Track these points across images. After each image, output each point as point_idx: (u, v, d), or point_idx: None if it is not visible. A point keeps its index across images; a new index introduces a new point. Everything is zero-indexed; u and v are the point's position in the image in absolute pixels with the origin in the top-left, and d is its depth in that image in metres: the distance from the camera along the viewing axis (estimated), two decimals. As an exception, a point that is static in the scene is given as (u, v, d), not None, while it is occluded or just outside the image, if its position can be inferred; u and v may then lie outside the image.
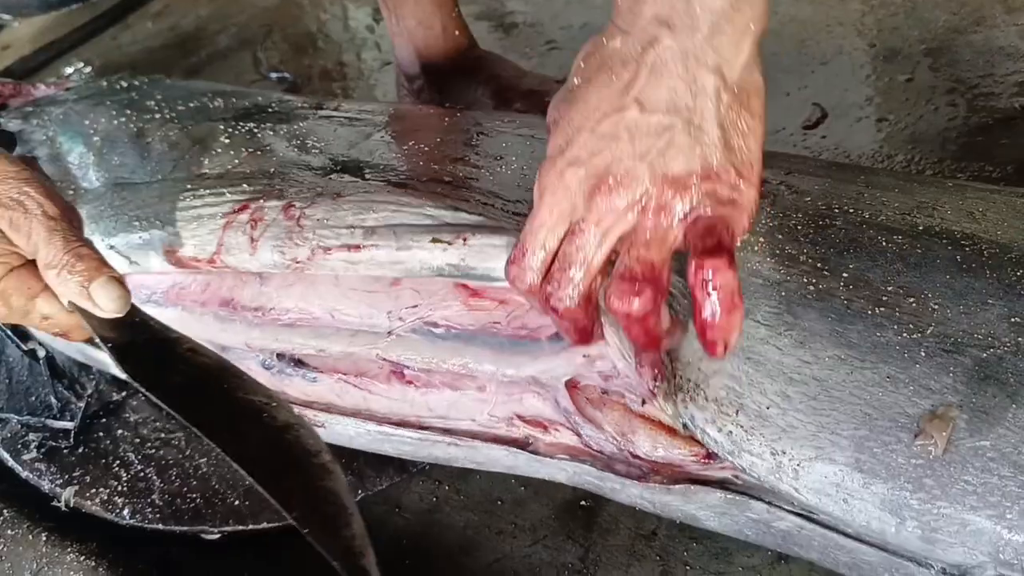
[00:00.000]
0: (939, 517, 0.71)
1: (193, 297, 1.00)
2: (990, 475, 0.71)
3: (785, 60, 1.57)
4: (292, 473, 0.67)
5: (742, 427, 0.77)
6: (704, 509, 0.87)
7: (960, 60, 1.51)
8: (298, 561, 1.01)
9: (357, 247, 0.88)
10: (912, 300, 0.81)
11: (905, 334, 0.79)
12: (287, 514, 0.65)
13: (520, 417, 0.92)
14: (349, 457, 1.04)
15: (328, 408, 0.99)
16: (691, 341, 0.79)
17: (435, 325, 0.91)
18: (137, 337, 0.76)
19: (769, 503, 0.82)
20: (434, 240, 0.86)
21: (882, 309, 0.81)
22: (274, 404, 0.71)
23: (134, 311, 0.77)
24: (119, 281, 0.76)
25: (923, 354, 0.78)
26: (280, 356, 0.98)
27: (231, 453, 0.67)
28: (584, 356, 0.85)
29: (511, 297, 0.89)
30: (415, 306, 0.91)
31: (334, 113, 1.15)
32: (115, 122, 1.16)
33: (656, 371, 0.81)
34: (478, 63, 1.42)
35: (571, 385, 0.88)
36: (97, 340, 0.75)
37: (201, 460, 1.04)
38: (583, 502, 1.02)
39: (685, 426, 0.82)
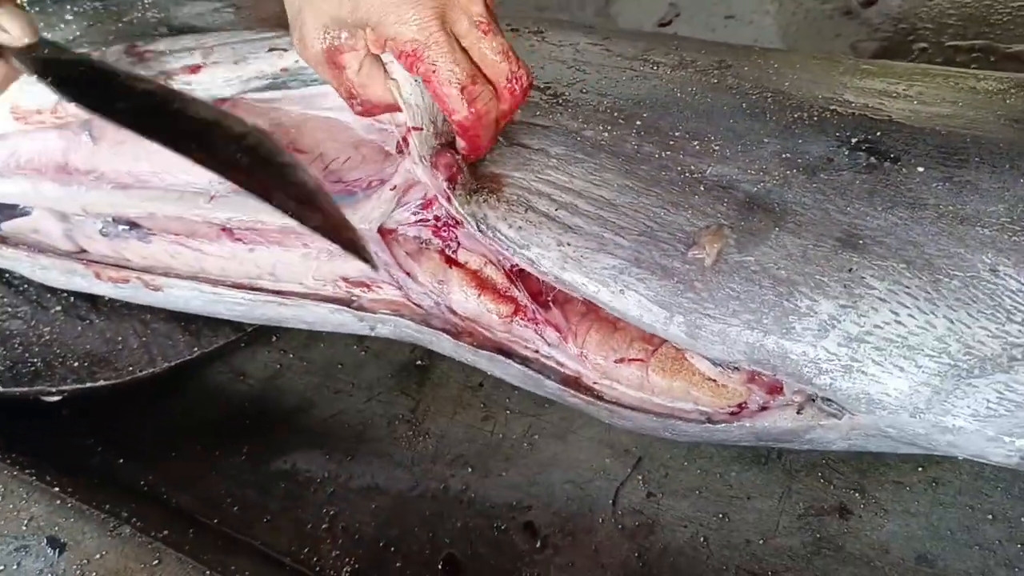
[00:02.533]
0: (704, 316, 0.78)
1: (32, 165, 1.02)
2: (751, 285, 0.78)
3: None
4: (263, 169, 0.69)
5: (531, 223, 0.82)
6: (508, 376, 0.93)
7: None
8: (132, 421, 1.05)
9: (197, 67, 0.92)
10: (696, 143, 0.87)
11: (687, 173, 0.85)
12: (267, 202, 0.68)
13: (345, 279, 0.97)
14: (187, 319, 1.07)
15: (166, 272, 1.02)
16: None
17: None
18: (73, 72, 0.78)
19: (561, 384, 0.89)
20: (271, 49, 0.91)
21: (668, 152, 0.86)
22: (228, 118, 0.72)
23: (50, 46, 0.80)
24: (22, 9, 0.79)
25: (702, 188, 0.83)
26: (116, 220, 1.01)
27: (203, 162, 0.69)
28: (391, 189, 0.90)
29: (326, 149, 0.93)
30: None
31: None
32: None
33: (451, 171, 0.84)
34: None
35: (386, 232, 0.92)
36: (34, 76, 0.77)
37: (45, 329, 1.07)
38: (419, 362, 1.07)
39: (480, 227, 0.84)
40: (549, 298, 0.89)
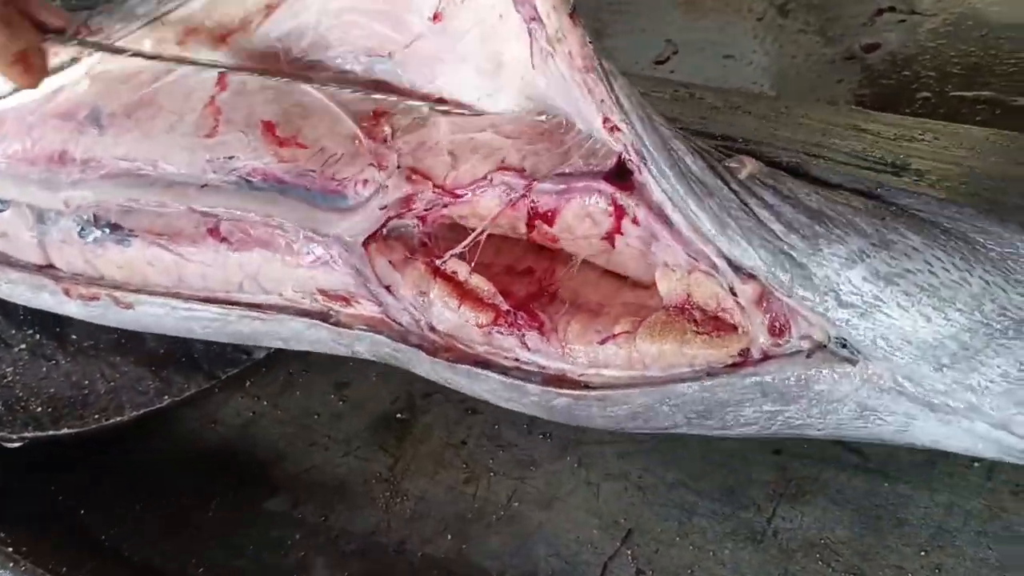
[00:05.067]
0: (738, 211, 0.74)
1: (22, 155, 0.99)
2: (783, 202, 0.76)
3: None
4: None
5: None
6: (489, 392, 0.86)
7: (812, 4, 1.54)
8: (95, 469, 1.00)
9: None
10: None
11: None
12: None
13: (323, 292, 0.91)
14: (158, 364, 1.02)
15: (140, 287, 0.97)
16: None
17: (251, 176, 0.91)
18: None
19: (544, 385, 0.83)
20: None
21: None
22: None
23: None
24: None
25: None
26: (95, 221, 0.96)
27: None
28: (381, 208, 0.85)
29: (327, 144, 0.90)
30: (231, 157, 0.91)
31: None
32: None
33: None
34: None
35: (376, 238, 0.87)
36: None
37: (7, 369, 1.01)
38: (399, 415, 1.01)
39: None
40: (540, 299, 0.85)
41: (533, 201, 0.81)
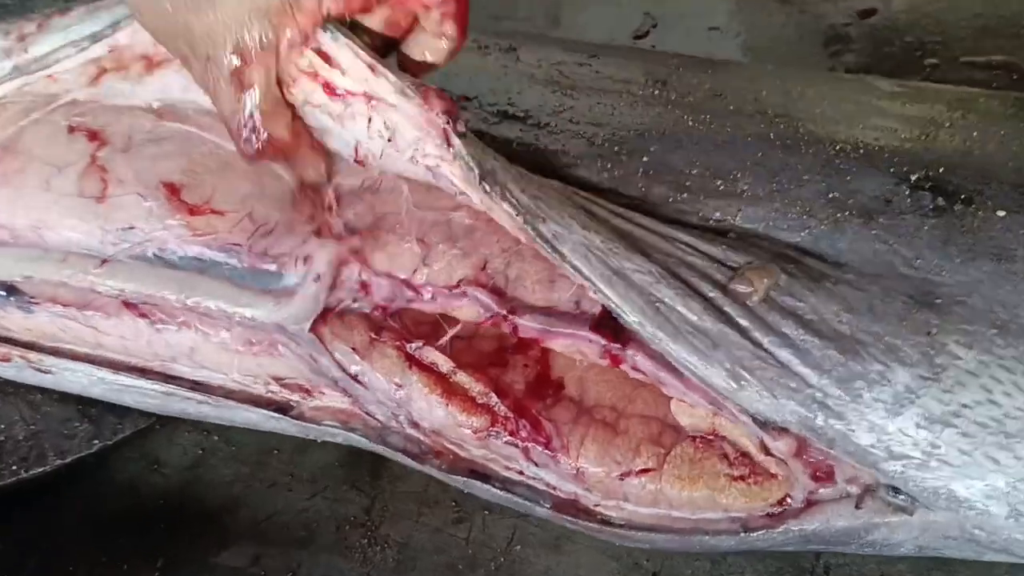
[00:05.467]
0: (753, 359, 0.63)
1: None
2: (808, 333, 0.64)
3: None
4: None
5: (546, 197, 0.66)
6: (488, 497, 0.76)
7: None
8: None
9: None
10: (719, 182, 0.70)
11: (711, 219, 0.68)
12: None
13: (278, 379, 0.78)
14: (86, 401, 0.87)
15: (56, 350, 0.82)
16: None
17: (160, 252, 0.74)
18: None
19: (556, 511, 0.73)
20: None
21: (684, 195, 0.70)
22: None
23: None
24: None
25: (732, 235, 0.67)
26: None
27: None
28: (315, 280, 0.71)
29: (255, 208, 0.73)
30: (130, 227, 0.74)
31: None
32: None
33: (447, 103, 0.64)
34: None
35: (325, 318, 0.73)
36: None
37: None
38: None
39: (486, 182, 0.65)
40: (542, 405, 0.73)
41: (513, 325, 0.71)
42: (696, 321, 0.64)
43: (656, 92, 0.80)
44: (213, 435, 0.91)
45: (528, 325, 0.70)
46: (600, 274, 0.65)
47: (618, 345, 0.68)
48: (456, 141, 0.64)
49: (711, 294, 0.65)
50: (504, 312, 0.70)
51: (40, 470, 0.84)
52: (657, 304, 0.64)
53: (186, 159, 0.74)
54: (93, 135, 0.75)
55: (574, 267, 0.65)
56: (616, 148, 0.73)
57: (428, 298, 0.71)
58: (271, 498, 0.86)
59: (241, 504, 0.86)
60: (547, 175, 0.71)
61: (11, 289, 0.80)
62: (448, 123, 0.63)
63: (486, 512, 0.82)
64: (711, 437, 0.70)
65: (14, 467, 0.84)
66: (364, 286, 0.71)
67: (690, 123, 0.75)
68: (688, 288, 0.65)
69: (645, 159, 0.72)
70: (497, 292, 0.70)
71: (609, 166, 0.72)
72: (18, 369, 0.83)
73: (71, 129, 0.76)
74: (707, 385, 0.64)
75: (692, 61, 0.88)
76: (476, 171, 0.64)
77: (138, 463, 0.90)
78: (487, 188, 0.64)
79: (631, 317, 0.64)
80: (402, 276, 0.71)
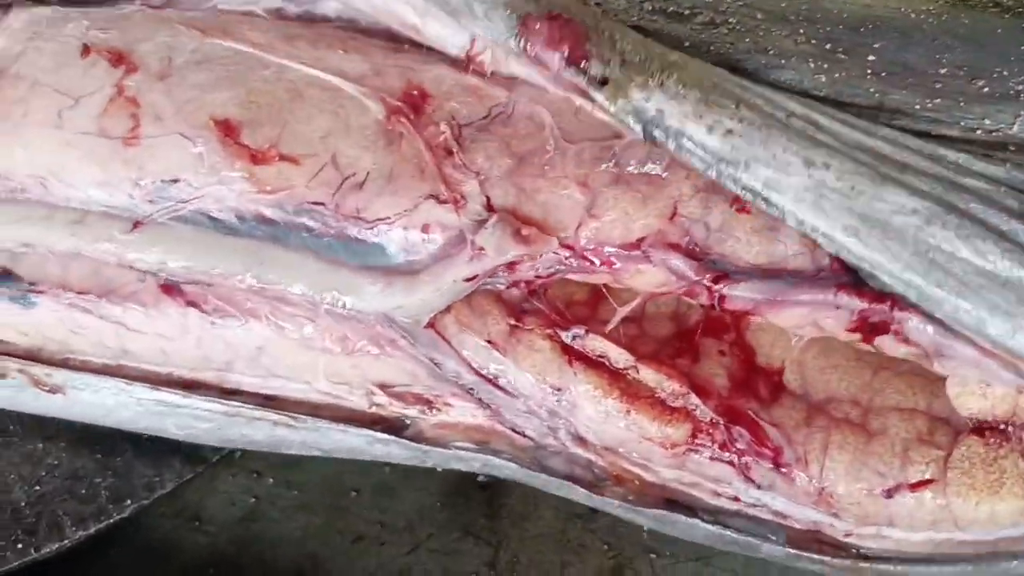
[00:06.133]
0: None
1: None
2: None
3: None
4: None
5: (748, 122, 0.48)
6: (688, 536, 0.57)
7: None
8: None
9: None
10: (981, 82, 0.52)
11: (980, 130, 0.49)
12: None
13: (384, 388, 0.57)
14: (107, 449, 0.67)
15: (67, 359, 0.60)
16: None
17: (215, 213, 0.54)
18: None
19: (792, 548, 0.55)
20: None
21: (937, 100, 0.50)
22: None
23: None
24: None
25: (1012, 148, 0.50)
26: None
27: None
28: (469, 280, 0.51)
29: (338, 148, 0.52)
30: (174, 180, 0.53)
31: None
32: None
33: (569, 36, 0.48)
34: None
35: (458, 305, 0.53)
36: None
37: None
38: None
39: (650, 130, 0.49)
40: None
41: (719, 295, 0.52)
42: (990, 268, 0.47)
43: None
44: (266, 477, 0.72)
45: (743, 296, 0.50)
46: (843, 225, 0.47)
47: (885, 306, 0.48)
48: (599, 97, 0.48)
49: (1005, 227, 0.47)
50: (707, 281, 0.50)
51: (56, 546, 0.63)
52: (931, 253, 0.47)
53: (243, 88, 0.53)
54: (118, 57, 0.55)
55: (800, 221, 0.48)
56: (828, 45, 0.54)
57: (598, 265, 0.51)
58: (358, 555, 0.66)
59: (318, 566, 0.65)
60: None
61: (3, 273, 0.58)
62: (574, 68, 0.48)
63: (652, 555, 0.62)
64: (1005, 425, 0.51)
65: (19, 544, 0.63)
66: (512, 264, 0.51)
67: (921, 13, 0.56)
68: (973, 224, 0.46)
69: (872, 58, 0.53)
70: (692, 252, 0.50)
71: (826, 66, 0.52)
72: (16, 390, 0.62)
73: (86, 50, 0.55)
74: (1013, 353, 0.46)
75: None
76: (637, 124, 0.48)
77: (173, 520, 0.70)
78: (658, 140, 0.47)
79: (898, 276, 0.47)
80: (562, 235, 0.51)
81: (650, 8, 0.57)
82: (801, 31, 0.56)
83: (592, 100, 0.50)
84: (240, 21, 0.56)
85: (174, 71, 0.54)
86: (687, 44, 0.55)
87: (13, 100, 0.56)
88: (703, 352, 0.56)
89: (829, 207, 0.47)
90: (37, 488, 0.67)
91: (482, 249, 0.50)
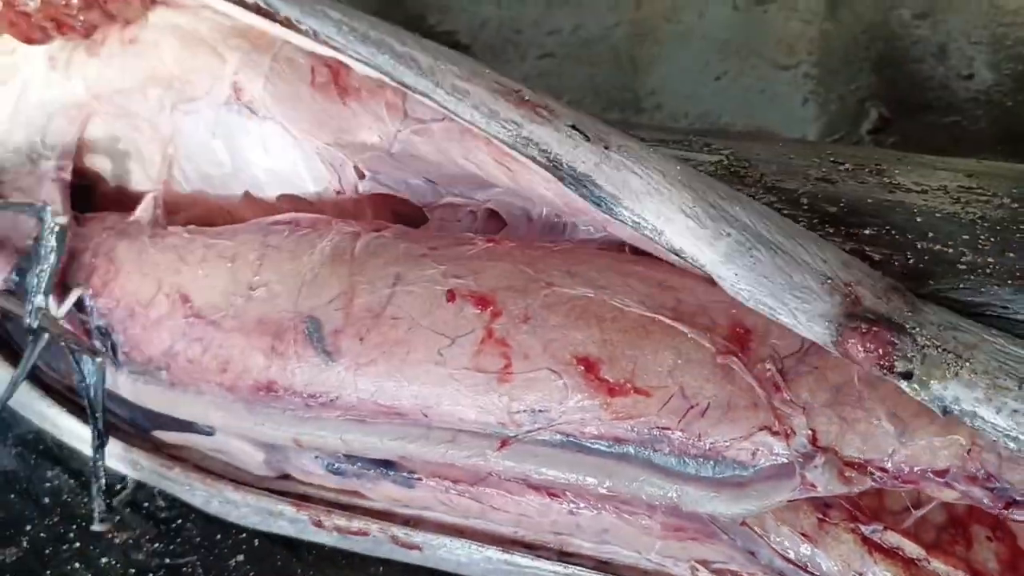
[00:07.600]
0: None
1: (210, 376, 0.72)
2: None
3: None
4: None
5: None
6: None
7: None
8: None
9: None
10: None
11: None
12: None
13: (705, 564, 0.67)
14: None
15: (420, 520, 0.75)
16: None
17: (574, 436, 0.64)
18: None
19: None
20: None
21: None
22: None
23: None
24: None
25: None
26: (350, 459, 0.73)
27: None
28: (799, 484, 0.58)
29: (685, 379, 0.62)
30: (540, 410, 0.64)
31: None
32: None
33: (882, 343, 0.54)
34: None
35: None
36: None
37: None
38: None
39: (946, 410, 0.54)
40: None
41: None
42: None
43: None
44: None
45: None
46: None
47: None
48: (902, 384, 0.53)
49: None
50: (1000, 507, 0.57)
51: None
52: None
53: (597, 328, 0.63)
54: (481, 301, 0.65)
55: None
56: None
57: (903, 484, 0.60)
58: None
59: None
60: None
61: (387, 463, 0.72)
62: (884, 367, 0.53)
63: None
64: None
65: None
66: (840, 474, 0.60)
67: None
68: None
69: None
70: (987, 483, 0.57)
71: None
72: (374, 544, 0.75)
73: (451, 295, 0.66)
74: None
75: None
76: (938, 409, 0.53)
77: None
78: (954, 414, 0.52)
79: None
80: (876, 464, 0.59)
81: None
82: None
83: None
84: (580, 259, 0.67)
85: (533, 315, 0.64)
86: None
87: (395, 341, 0.67)
88: (973, 537, 0.63)
89: None
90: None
91: (813, 485, 0.58)
